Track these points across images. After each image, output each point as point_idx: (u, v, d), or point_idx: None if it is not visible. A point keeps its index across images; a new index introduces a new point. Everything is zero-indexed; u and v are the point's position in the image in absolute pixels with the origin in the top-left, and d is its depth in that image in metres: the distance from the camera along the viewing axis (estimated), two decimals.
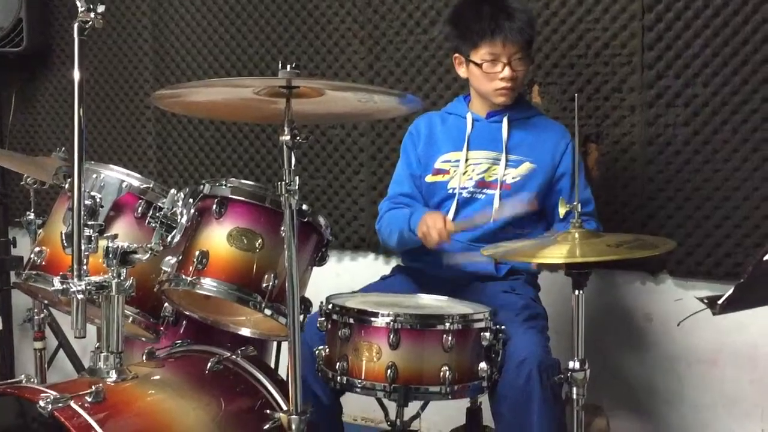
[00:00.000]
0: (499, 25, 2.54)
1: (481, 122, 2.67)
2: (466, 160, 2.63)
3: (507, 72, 2.56)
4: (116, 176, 2.30)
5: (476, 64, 2.58)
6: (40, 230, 2.60)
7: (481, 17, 2.56)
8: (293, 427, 1.97)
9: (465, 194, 2.61)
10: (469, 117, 2.67)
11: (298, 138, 1.96)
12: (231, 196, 2.25)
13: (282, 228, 2.06)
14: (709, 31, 2.75)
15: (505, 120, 2.63)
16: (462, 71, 2.67)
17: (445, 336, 2.14)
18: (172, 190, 2.22)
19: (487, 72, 2.57)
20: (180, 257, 2.24)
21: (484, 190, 2.61)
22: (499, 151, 2.61)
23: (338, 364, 2.20)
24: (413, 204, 2.67)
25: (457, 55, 2.67)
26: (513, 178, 2.60)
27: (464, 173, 2.62)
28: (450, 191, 2.62)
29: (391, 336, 2.12)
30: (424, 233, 2.43)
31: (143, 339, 2.44)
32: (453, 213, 2.59)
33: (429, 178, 2.67)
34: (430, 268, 2.62)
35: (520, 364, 2.21)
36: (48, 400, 1.86)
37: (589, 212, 2.61)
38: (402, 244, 2.62)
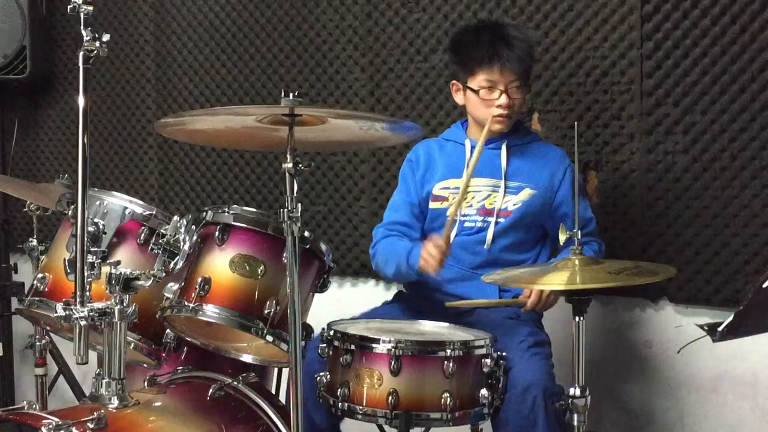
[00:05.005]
0: (498, 52, 2.56)
1: None
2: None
3: (503, 99, 2.57)
4: (119, 203, 2.31)
5: (473, 90, 2.60)
6: (43, 256, 2.61)
7: (480, 44, 2.58)
8: None
9: (468, 222, 2.62)
10: (467, 144, 2.69)
11: (300, 165, 1.98)
12: (233, 222, 2.26)
13: (284, 255, 2.07)
14: (708, 59, 2.77)
15: (504, 147, 2.64)
16: (459, 98, 2.69)
17: (446, 362, 2.14)
18: (175, 217, 2.23)
19: (484, 99, 2.58)
20: (182, 284, 2.24)
21: (487, 218, 2.61)
22: (499, 178, 2.63)
23: (339, 390, 2.20)
24: (409, 234, 2.68)
25: (454, 81, 2.69)
26: (514, 204, 2.61)
27: (465, 200, 2.63)
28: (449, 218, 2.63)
29: (393, 362, 2.13)
30: (424, 262, 2.45)
31: (145, 365, 2.43)
32: (454, 239, 2.59)
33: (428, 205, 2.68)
34: (432, 295, 2.63)
35: (525, 391, 2.21)
36: (50, 426, 1.86)
37: (591, 231, 2.64)
38: (398, 276, 2.65)
